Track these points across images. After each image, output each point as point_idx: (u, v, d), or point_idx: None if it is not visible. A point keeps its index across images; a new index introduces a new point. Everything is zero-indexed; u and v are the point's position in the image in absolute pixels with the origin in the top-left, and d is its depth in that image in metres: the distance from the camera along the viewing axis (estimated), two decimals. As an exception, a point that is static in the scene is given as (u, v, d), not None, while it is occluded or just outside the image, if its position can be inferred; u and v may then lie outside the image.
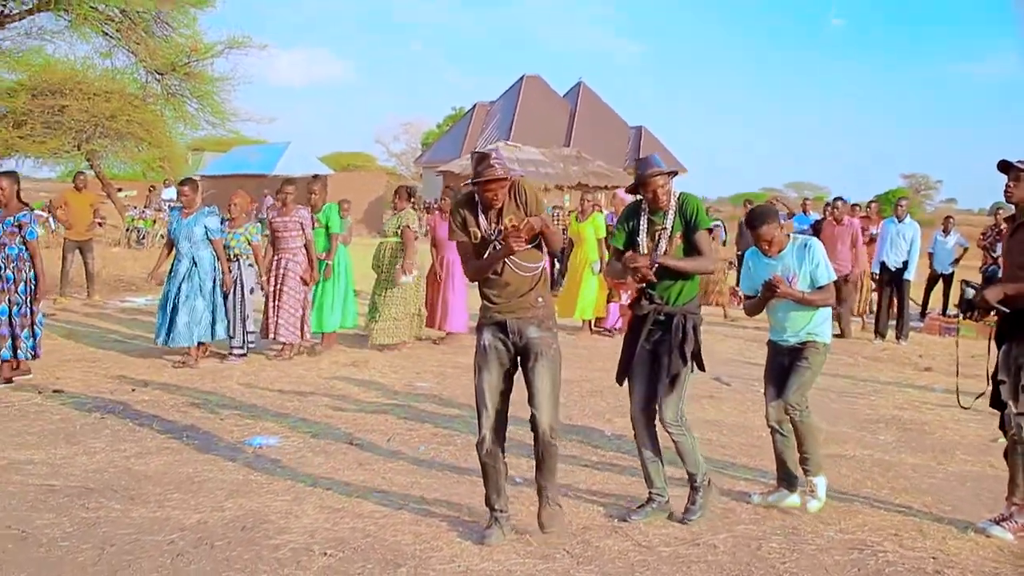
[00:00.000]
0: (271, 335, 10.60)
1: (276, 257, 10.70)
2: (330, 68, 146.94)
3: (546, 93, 49.90)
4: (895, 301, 14.03)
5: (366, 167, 62.93)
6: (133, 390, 8.82)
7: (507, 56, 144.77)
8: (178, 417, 7.87)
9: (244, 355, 10.45)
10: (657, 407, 5.65)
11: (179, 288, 9.82)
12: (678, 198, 5.65)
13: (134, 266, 19.57)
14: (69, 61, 22.93)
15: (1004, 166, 5.66)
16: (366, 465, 6.69)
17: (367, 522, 5.52)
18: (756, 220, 5.96)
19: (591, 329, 13.22)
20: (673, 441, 5.67)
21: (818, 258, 5.90)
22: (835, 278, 6.05)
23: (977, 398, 6.09)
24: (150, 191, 28.78)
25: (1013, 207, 5.80)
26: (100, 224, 26.70)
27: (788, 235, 6.06)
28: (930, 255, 16.24)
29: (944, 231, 16.48)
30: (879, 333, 13.94)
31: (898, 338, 13.80)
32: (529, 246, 5.11)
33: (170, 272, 10.05)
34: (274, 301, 10.58)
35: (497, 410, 5.24)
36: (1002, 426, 5.77)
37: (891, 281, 13.81)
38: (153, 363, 10.10)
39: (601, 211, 13.67)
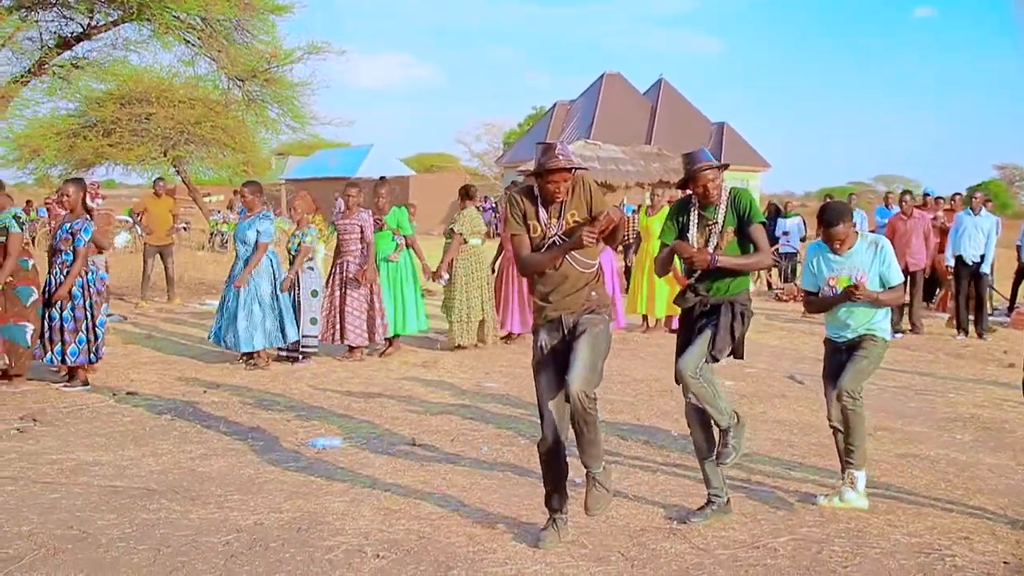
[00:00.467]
0: (338, 338, 10.65)
1: (340, 260, 10.75)
2: (412, 71, 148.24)
3: (627, 91, 49.54)
4: (974, 295, 13.63)
5: (448, 167, 63.28)
6: (204, 392, 8.95)
7: (587, 55, 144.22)
8: (245, 419, 7.96)
9: (305, 357, 10.48)
10: (682, 362, 5.49)
11: (237, 292, 9.90)
12: (729, 193, 5.54)
13: (216, 269, 19.92)
14: (154, 70, 23.49)
15: None
16: (427, 466, 6.68)
17: (423, 524, 5.50)
18: (832, 218, 5.78)
19: (669, 328, 13.09)
20: (693, 393, 5.48)
21: (890, 258, 5.79)
22: (901, 279, 5.93)
23: None
24: (233, 195, 29.30)
25: None
26: (185, 229, 27.29)
27: (856, 232, 5.91)
28: (1018, 248, 15.71)
29: (1036, 222, 15.96)
30: (961, 328, 13.55)
31: (979, 334, 13.40)
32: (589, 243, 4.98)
33: (228, 275, 10.20)
34: (339, 304, 10.63)
35: (557, 408, 5.14)
36: None
37: (969, 275, 13.42)
38: (226, 366, 10.24)
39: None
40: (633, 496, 6.03)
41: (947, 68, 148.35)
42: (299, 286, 10.40)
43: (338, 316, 10.61)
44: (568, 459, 5.27)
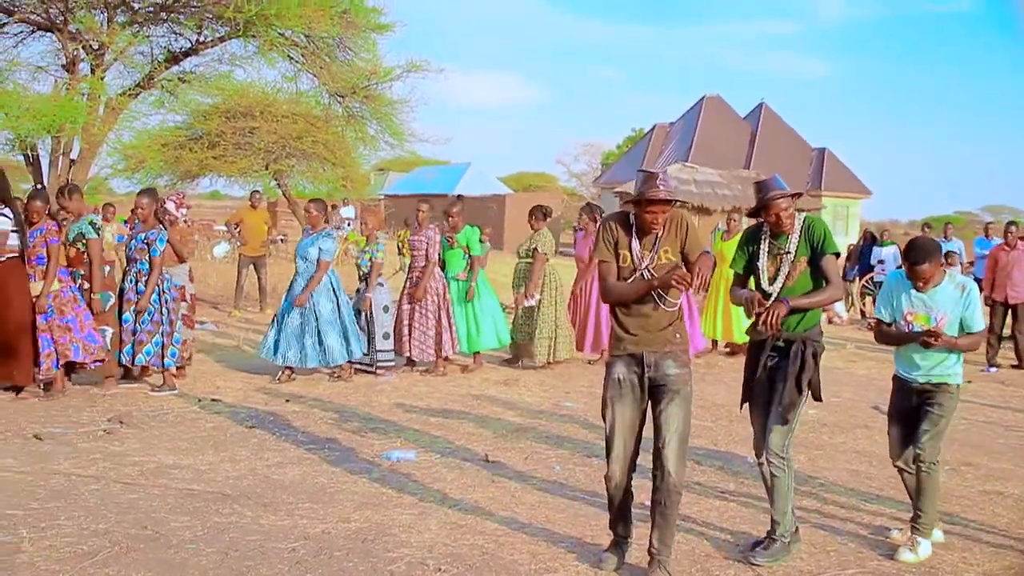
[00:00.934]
0: (406, 353, 10.79)
1: (409, 276, 10.89)
2: (513, 90, 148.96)
3: (727, 114, 49.19)
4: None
5: (546, 187, 63.41)
6: (287, 401, 9.13)
7: (688, 77, 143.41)
8: (323, 429, 8.08)
9: (384, 372, 10.58)
10: (766, 435, 5.38)
11: (300, 311, 9.98)
12: (803, 221, 5.41)
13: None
14: (259, 85, 24.00)
15: None
16: (498, 483, 6.71)
17: (487, 539, 5.53)
18: (918, 257, 5.42)
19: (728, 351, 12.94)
20: (770, 474, 5.35)
21: (975, 304, 5.51)
22: (984, 326, 5.68)
23: None
24: (330, 209, 29.77)
25: None
26: (283, 241, 27.79)
27: (945, 271, 5.63)
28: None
29: None
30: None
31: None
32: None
33: (288, 290, 10.29)
34: (408, 320, 10.76)
35: (627, 447, 5.04)
36: None
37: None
38: (310, 377, 10.41)
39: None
40: (701, 522, 5.97)
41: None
42: (372, 302, 10.53)
43: (406, 330, 10.74)
44: (633, 485, 5.19)
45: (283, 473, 6.75)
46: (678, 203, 5.02)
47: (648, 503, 5.70)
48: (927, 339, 5.40)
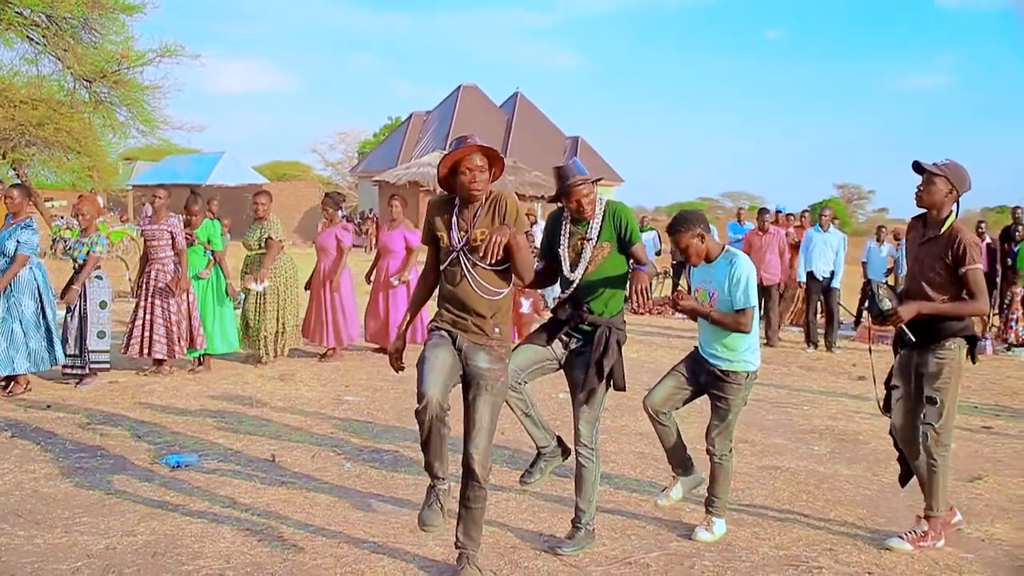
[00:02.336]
0: (144, 351, 10.06)
1: (148, 268, 10.16)
2: (267, 77, 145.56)
3: (483, 103, 49.87)
4: (824, 310, 14.15)
5: (302, 177, 62.36)
6: (48, 407, 8.51)
7: (444, 66, 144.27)
8: (92, 436, 7.56)
9: (93, 374, 9.67)
10: (574, 425, 5.40)
11: None
12: (604, 206, 5.41)
13: (58, 278, 19.02)
14: (-8, 67, 22.43)
15: (918, 167, 5.52)
16: (288, 484, 6.46)
17: (286, 545, 5.29)
18: (670, 227, 5.57)
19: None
20: (578, 463, 5.39)
21: (740, 279, 5.42)
22: (754, 304, 5.49)
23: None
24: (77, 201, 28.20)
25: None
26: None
27: (724, 246, 5.66)
28: (863, 264, 16.36)
29: (877, 240, 16.60)
30: (811, 342, 14.03)
31: (829, 347, 13.87)
32: (491, 264, 4.66)
33: None
34: (146, 315, 10.03)
35: (443, 373, 4.59)
36: (891, 432, 5.74)
37: (820, 290, 13.92)
38: (70, 382, 9.69)
39: (536, 222, 13.49)
40: (502, 513, 5.94)
41: (792, 89, 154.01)
42: (85, 298, 9.57)
43: (148, 328, 10.02)
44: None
45: (54, 486, 6.26)
46: (492, 160, 4.76)
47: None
48: (675, 300, 5.51)
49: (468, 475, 4.78)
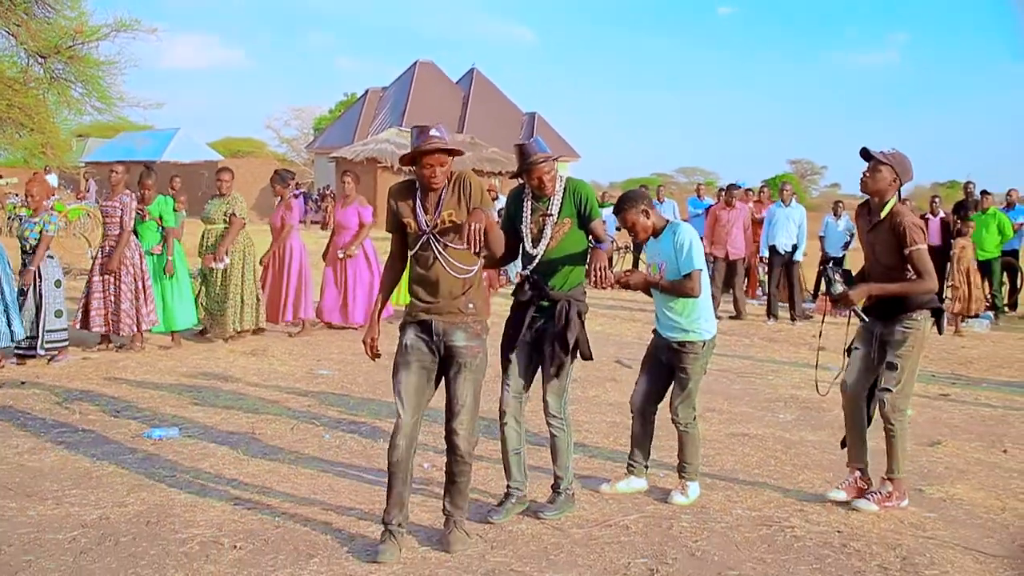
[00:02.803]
0: (96, 328, 10.06)
1: (104, 244, 10.14)
2: (220, 52, 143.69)
3: (439, 79, 49.70)
4: (786, 283, 14.43)
5: (256, 153, 61.86)
6: (23, 383, 8.54)
7: (400, 42, 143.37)
8: (70, 412, 7.62)
9: (53, 354, 9.59)
10: (543, 397, 5.53)
11: None
12: (565, 183, 5.53)
13: (16, 256, 18.87)
14: (-60, 41, 22.05)
15: (865, 154, 5.73)
16: (271, 455, 6.58)
17: (276, 513, 5.42)
18: (616, 207, 5.74)
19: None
20: (551, 434, 5.56)
21: (684, 245, 5.58)
22: (700, 267, 5.63)
23: (837, 378, 6.23)
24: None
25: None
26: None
27: (667, 220, 5.83)
28: (821, 239, 16.64)
29: (835, 215, 16.85)
30: (771, 314, 14.31)
31: (793, 319, 14.16)
32: (463, 246, 4.72)
33: None
34: (103, 291, 10.00)
35: (414, 415, 4.86)
36: (841, 388, 6.07)
37: (782, 264, 14.18)
38: (42, 359, 9.68)
39: (497, 197, 13.57)
40: (483, 479, 6.10)
41: (744, 65, 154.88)
42: (41, 278, 9.51)
43: (106, 303, 10.00)
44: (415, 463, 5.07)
45: (39, 460, 6.33)
46: (454, 154, 4.82)
47: (426, 465, 5.80)
48: (625, 279, 5.61)
49: (452, 451, 4.92)
